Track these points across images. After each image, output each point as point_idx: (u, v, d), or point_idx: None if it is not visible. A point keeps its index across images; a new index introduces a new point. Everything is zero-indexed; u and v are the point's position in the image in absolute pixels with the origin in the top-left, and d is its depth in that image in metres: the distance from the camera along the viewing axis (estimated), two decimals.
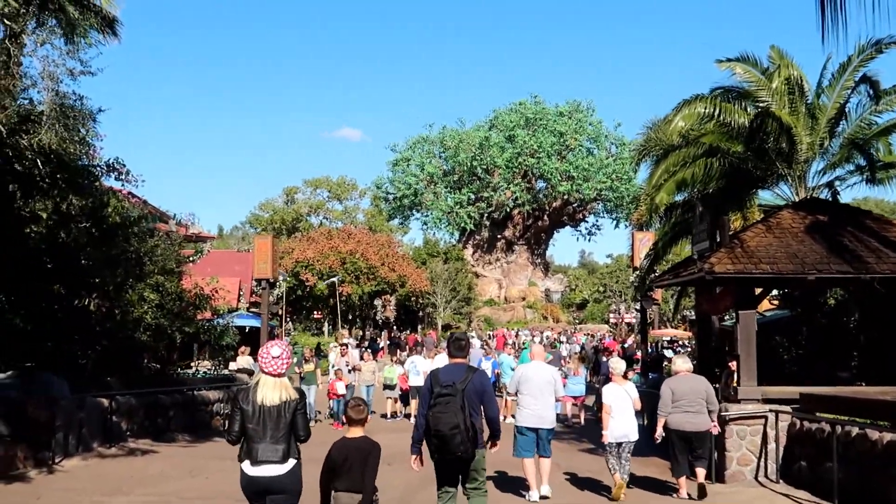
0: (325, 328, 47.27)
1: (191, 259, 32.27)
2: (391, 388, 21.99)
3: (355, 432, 6.55)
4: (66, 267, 15.27)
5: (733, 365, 13.70)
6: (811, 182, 16.82)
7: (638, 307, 55.53)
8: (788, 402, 12.64)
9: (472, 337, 41.63)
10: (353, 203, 75.14)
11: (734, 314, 18.54)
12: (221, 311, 21.27)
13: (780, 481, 12.13)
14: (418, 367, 21.68)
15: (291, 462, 6.23)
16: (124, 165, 18.70)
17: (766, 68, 16.91)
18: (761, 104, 16.41)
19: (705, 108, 16.51)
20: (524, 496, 10.78)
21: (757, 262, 12.47)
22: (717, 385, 14.84)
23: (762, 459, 12.42)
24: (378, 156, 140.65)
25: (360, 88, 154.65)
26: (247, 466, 6.21)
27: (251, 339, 40.12)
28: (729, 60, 16.99)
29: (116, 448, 15.42)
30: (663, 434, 11.07)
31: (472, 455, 7.26)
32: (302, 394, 6.55)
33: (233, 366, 24.92)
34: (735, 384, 14.01)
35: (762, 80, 16.66)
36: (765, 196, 18.95)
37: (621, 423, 10.70)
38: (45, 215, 16.02)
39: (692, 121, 16.74)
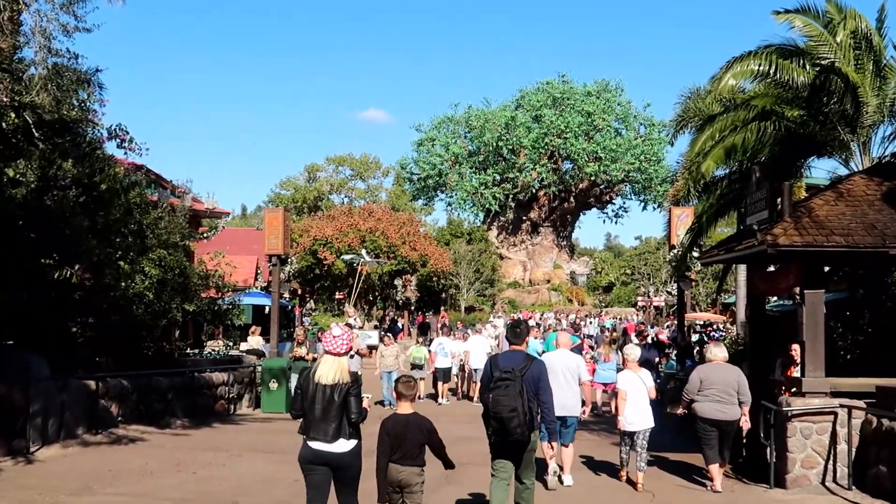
0: (347, 308, 45.78)
1: (205, 235, 30.84)
2: (419, 367, 20.99)
3: (405, 408, 6.76)
4: (48, 236, 13.71)
5: (795, 352, 11.86)
6: (876, 151, 14.84)
7: (670, 289, 53.68)
8: (859, 395, 10.81)
9: (499, 318, 40.06)
10: (377, 182, 73.46)
11: (784, 296, 16.59)
12: (227, 288, 19.62)
13: (853, 488, 10.30)
14: (446, 349, 21.15)
15: (352, 442, 6.44)
16: (127, 132, 17.25)
17: (828, 21, 14.90)
18: (823, 61, 14.42)
19: (759, 65, 14.53)
20: (545, 480, 10.40)
21: (828, 234, 10.58)
22: (772, 375, 13.01)
23: (831, 462, 10.58)
24: (404, 137, 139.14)
25: (386, 69, 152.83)
26: (312, 441, 6.45)
27: (268, 319, 38.89)
28: (787, 12, 14.97)
29: (103, 435, 13.90)
30: (685, 412, 10.99)
31: (528, 438, 7.47)
32: (356, 377, 6.73)
33: (243, 346, 23.40)
34: (791, 374, 12.19)
35: (824, 34, 14.66)
36: (818, 170, 17.06)
37: (637, 410, 10.56)
38: (31, 179, 14.61)
39: (744, 79, 14.80)
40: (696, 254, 18.91)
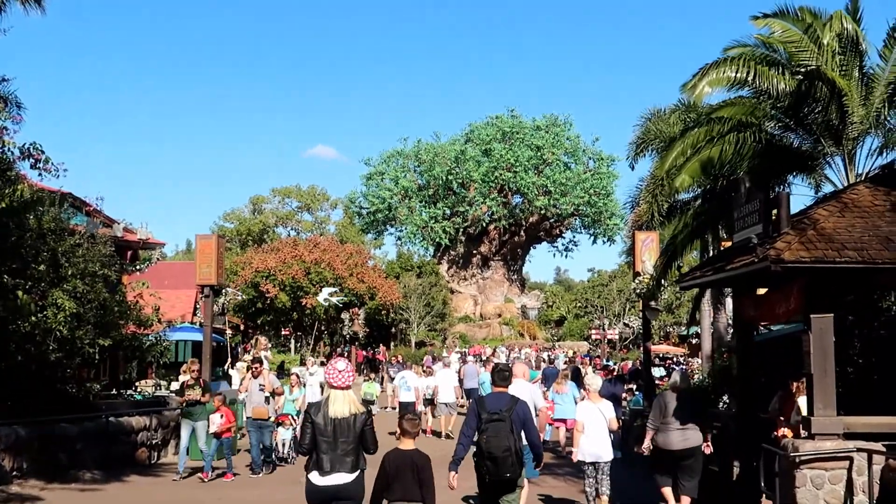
0: (292, 344, 43.46)
1: (137, 267, 28.37)
2: (371, 403, 20.17)
3: (407, 444, 6.76)
4: None
5: (796, 387, 10.19)
6: (862, 165, 13.46)
7: (627, 321, 52.37)
8: (875, 437, 9.17)
9: (456, 354, 38.17)
10: (325, 214, 71.18)
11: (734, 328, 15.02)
12: (150, 322, 17.38)
13: None
14: (409, 383, 20.24)
15: (357, 472, 6.53)
16: (43, 152, 15.39)
17: (808, 25, 13.51)
18: (804, 68, 13.01)
19: (736, 72, 13.10)
20: None
21: (839, 249, 8.97)
22: (765, 413, 11.33)
23: None
24: (353, 174, 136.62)
25: (334, 106, 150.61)
26: (315, 477, 6.51)
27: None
28: (766, 16, 13.63)
29: None
30: (651, 447, 10.38)
31: (518, 475, 7.79)
32: (369, 409, 6.91)
33: (174, 386, 21.07)
34: (790, 412, 10.51)
35: (805, 38, 13.27)
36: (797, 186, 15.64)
37: (594, 442, 10.31)
38: None
39: (720, 86, 13.32)
40: (663, 282, 17.39)
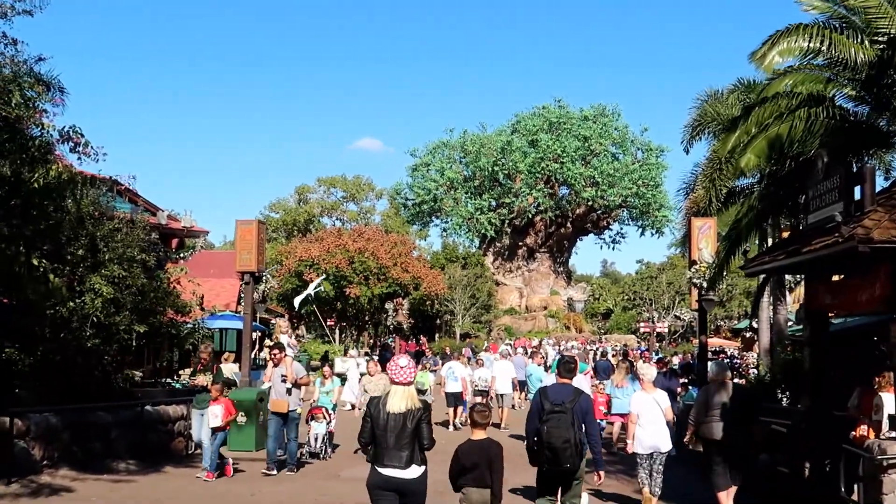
0: (337, 335, 43.05)
1: (181, 255, 28.06)
2: (422, 392, 18.84)
3: (479, 434, 6.99)
4: None
5: (880, 382, 9.19)
6: None
7: (678, 314, 51.08)
8: None
9: (507, 346, 37.33)
10: (370, 204, 70.60)
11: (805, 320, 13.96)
12: (188, 309, 16.85)
13: None
14: (456, 374, 19.79)
15: (422, 468, 6.57)
16: (82, 135, 14.88)
17: None
18: (884, 35, 11.90)
19: (809, 41, 12.02)
20: None
21: None
22: (840, 410, 10.32)
23: None
24: (398, 166, 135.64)
25: (380, 97, 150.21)
26: (377, 467, 6.57)
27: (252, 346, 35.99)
28: None
29: (20, 485, 11.16)
30: (693, 440, 10.43)
31: (577, 467, 7.76)
32: (426, 405, 6.91)
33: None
34: (870, 409, 9.49)
35: (884, 4, 12.15)
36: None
37: (651, 433, 10.03)
38: None
39: (791, 56, 12.26)
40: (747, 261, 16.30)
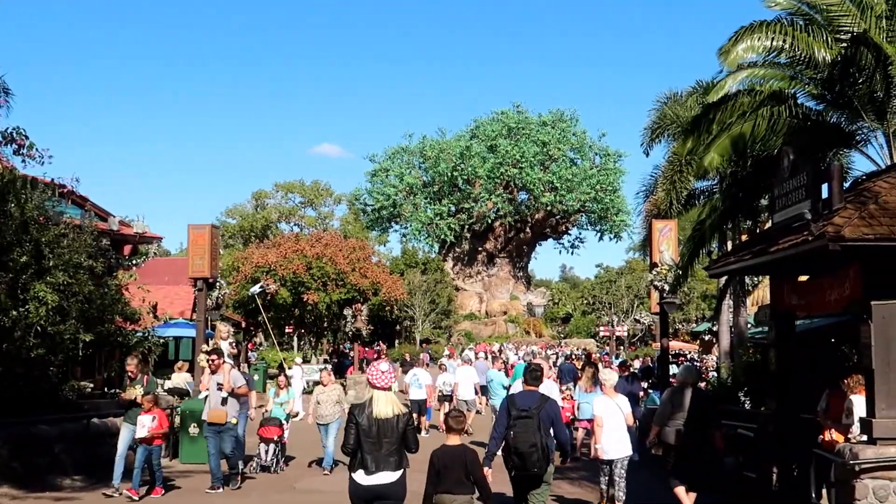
0: (296, 342, 42.37)
1: (133, 262, 27.22)
2: None
3: (454, 440, 6.97)
4: None
5: (850, 384, 8.97)
6: None
7: (638, 317, 51.09)
8: None
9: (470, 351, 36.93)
10: (328, 209, 69.81)
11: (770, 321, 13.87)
12: (136, 317, 16.18)
13: None
14: (420, 380, 19.50)
15: (399, 472, 6.59)
16: (26, 137, 14.35)
17: None
18: (847, 33, 11.78)
19: (773, 39, 11.86)
20: None
21: None
22: (810, 414, 10.10)
23: None
24: (357, 172, 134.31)
25: (339, 103, 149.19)
26: (360, 476, 6.55)
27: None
28: None
29: None
30: (655, 442, 10.20)
31: (545, 470, 7.93)
32: (409, 409, 7.33)
33: (167, 384, 19.90)
34: (839, 413, 9.27)
35: (846, 2, 12.04)
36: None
37: (613, 438, 10.02)
38: None
39: (755, 53, 12.09)
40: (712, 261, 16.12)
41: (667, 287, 17.28)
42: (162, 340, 28.81)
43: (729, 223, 13.50)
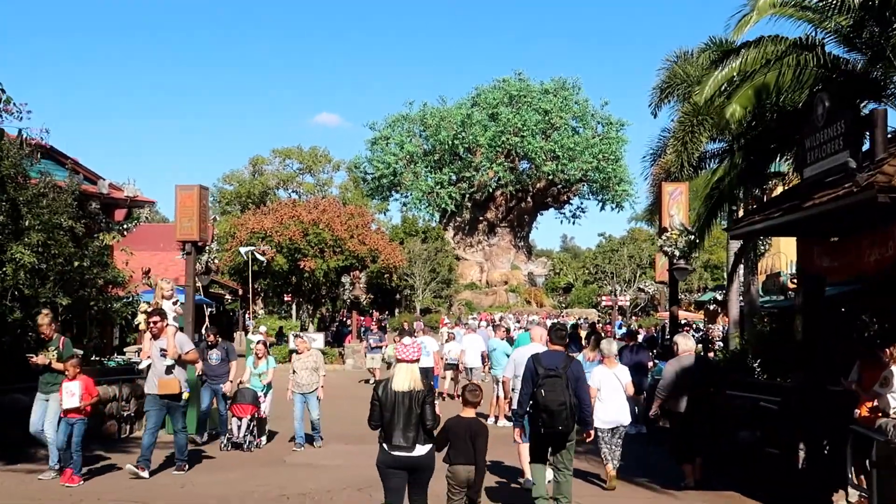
0: (293, 311, 41.49)
1: (124, 226, 26.35)
2: (390, 366, 20.40)
3: (468, 412, 7.24)
4: None
5: (890, 353, 8.06)
6: None
7: (642, 286, 50.29)
8: None
9: (468, 324, 36.13)
10: (327, 176, 68.55)
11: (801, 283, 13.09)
12: (120, 280, 15.27)
13: None
14: (428, 349, 18.63)
15: (428, 446, 6.69)
16: (3, 91, 13.46)
17: None
18: None
19: None
20: (519, 483, 10.04)
21: None
22: (840, 386, 9.21)
23: None
24: (357, 141, 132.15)
25: (339, 72, 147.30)
26: (387, 447, 6.67)
27: (214, 321, 34.23)
28: None
29: None
30: (658, 413, 10.47)
31: (571, 429, 7.98)
32: (430, 386, 7.57)
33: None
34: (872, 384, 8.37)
35: None
36: None
37: (611, 407, 10.07)
38: None
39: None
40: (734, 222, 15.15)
41: (677, 252, 16.34)
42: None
43: (749, 182, 12.48)
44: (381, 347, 24.42)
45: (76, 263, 13.68)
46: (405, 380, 6.67)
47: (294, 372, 13.47)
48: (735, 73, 11.44)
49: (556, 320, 28.06)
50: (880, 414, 7.76)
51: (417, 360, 6.85)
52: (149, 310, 11.56)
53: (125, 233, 25.89)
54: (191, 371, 13.99)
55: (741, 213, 17.66)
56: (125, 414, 14.54)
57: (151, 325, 10.92)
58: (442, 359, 19.87)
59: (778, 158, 12.39)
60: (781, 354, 13.66)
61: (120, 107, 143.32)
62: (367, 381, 23.71)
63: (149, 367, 11.05)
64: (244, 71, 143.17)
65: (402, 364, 6.79)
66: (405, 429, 6.57)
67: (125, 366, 15.76)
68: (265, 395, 13.77)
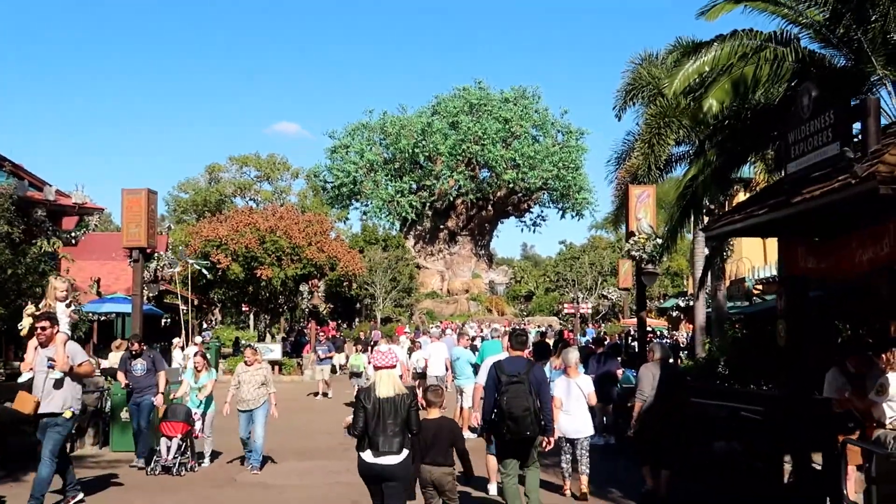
0: (251, 321, 40.42)
1: (71, 233, 25.21)
2: (358, 375, 19.85)
3: (434, 413, 7.27)
4: None
5: (887, 360, 7.50)
6: None
7: (605, 292, 49.96)
8: None
9: (429, 331, 35.33)
10: (285, 184, 67.26)
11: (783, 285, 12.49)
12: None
13: None
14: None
15: (404, 453, 6.65)
16: None
17: None
18: None
19: None
20: (487, 490, 9.94)
21: None
22: (850, 392, 8.62)
23: None
24: (316, 150, 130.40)
25: (297, 81, 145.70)
26: (367, 455, 6.65)
27: (167, 332, 32.92)
28: None
29: None
30: (636, 425, 9.66)
31: (536, 434, 7.91)
32: (413, 390, 8.13)
33: (104, 364, 18.03)
34: (873, 392, 7.80)
35: None
36: None
37: (573, 418, 9.93)
38: None
39: None
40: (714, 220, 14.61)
41: (645, 257, 15.82)
42: (98, 318, 26.77)
43: (721, 182, 11.91)
44: (330, 358, 23.46)
45: (10, 271, 12.67)
46: (388, 386, 6.73)
47: (238, 385, 11.86)
48: (708, 67, 10.88)
49: (516, 327, 27.64)
50: (875, 424, 7.20)
51: (395, 367, 6.94)
52: (37, 313, 9.43)
53: (74, 241, 24.77)
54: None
55: (705, 218, 17.24)
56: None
57: (38, 331, 8.95)
58: (409, 369, 19.05)
59: (750, 159, 11.87)
60: (755, 361, 13.17)
61: (71, 113, 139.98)
62: (315, 395, 22.59)
63: (31, 380, 9.08)
64: (201, 78, 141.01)
65: (381, 371, 6.83)
66: (393, 434, 6.60)
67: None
68: (204, 411, 12.46)
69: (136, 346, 12.71)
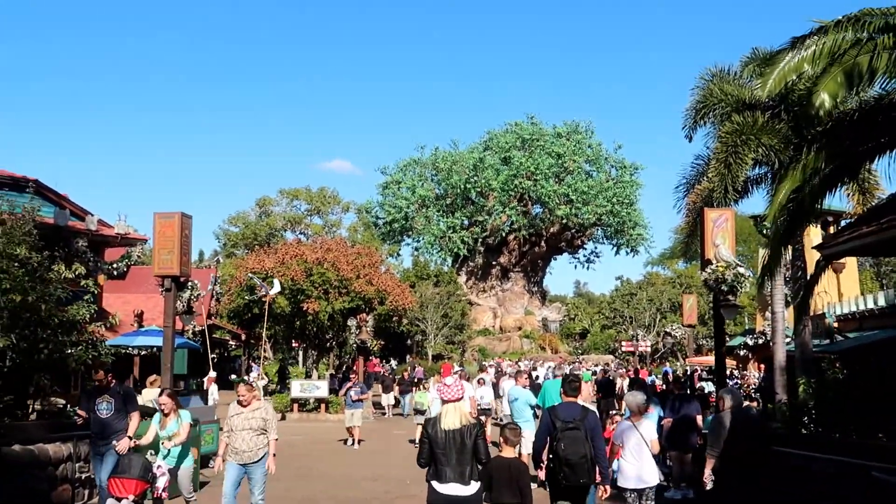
0: (300, 356, 39.07)
1: (112, 266, 24.26)
2: (422, 412, 19.41)
3: (509, 452, 7.16)
4: None
5: None
6: None
7: (668, 329, 47.53)
8: None
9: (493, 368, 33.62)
10: (336, 217, 66.31)
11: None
12: (75, 322, 12.64)
13: None
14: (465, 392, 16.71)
15: (476, 484, 6.63)
16: None
17: None
18: None
19: None
20: None
21: None
22: None
23: None
24: (368, 186, 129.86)
25: (350, 118, 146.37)
26: (437, 485, 6.64)
27: (216, 368, 31.66)
28: None
29: None
30: (713, 478, 9.15)
31: (592, 481, 7.77)
32: (480, 421, 7.32)
33: (139, 400, 16.62)
34: None
35: None
36: None
37: (637, 466, 9.00)
38: None
39: None
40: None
41: (724, 287, 13.89)
42: (139, 352, 25.49)
43: (839, 184, 9.99)
44: (362, 401, 20.11)
45: (19, 298, 11.29)
46: (455, 418, 6.69)
47: (230, 433, 9.39)
48: (808, 64, 9.14)
49: (568, 371, 26.07)
50: None
51: (461, 399, 6.85)
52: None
53: (117, 273, 23.68)
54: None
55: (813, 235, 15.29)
56: (81, 476, 12.07)
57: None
58: (477, 404, 18.30)
59: (869, 162, 9.98)
60: (862, 407, 11.15)
61: (121, 145, 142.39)
62: (344, 442, 19.42)
63: None
64: (255, 115, 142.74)
65: (449, 404, 6.79)
66: (460, 464, 6.56)
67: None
68: (176, 465, 9.95)
69: (101, 375, 10.41)
